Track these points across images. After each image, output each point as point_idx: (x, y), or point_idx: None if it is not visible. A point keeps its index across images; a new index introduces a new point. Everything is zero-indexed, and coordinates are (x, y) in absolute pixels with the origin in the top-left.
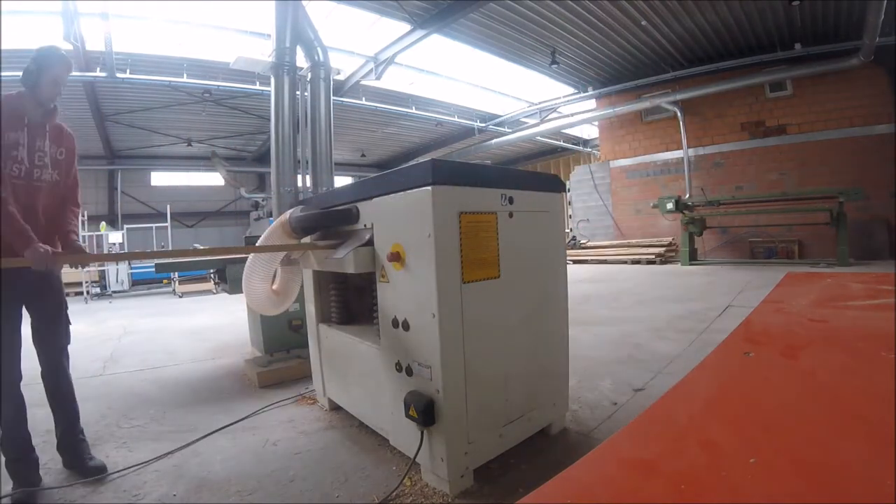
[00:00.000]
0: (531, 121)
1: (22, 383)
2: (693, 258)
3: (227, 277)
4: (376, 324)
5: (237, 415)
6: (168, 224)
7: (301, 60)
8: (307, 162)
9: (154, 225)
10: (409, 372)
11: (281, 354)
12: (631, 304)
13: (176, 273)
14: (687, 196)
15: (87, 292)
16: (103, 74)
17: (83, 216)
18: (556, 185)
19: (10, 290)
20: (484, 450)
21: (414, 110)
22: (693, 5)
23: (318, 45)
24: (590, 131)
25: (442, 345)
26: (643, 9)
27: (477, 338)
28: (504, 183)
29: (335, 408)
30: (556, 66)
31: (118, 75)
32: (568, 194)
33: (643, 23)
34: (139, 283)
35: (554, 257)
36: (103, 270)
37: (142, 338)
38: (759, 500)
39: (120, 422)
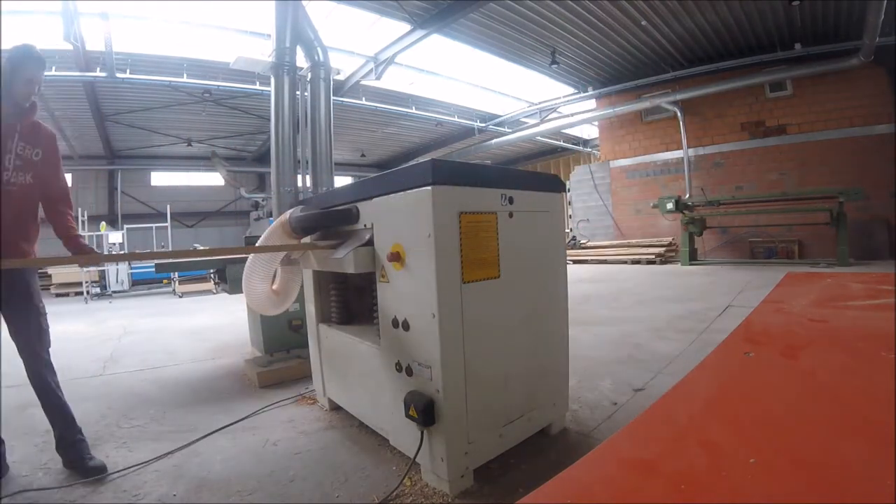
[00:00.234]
0: (531, 121)
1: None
2: (693, 258)
3: (227, 277)
4: (376, 324)
5: (237, 415)
6: (168, 224)
7: (301, 60)
8: (307, 162)
9: (154, 225)
10: (409, 372)
11: (281, 354)
12: (631, 304)
13: (176, 273)
14: (687, 196)
15: (87, 292)
16: (103, 74)
17: (83, 216)
18: (556, 185)
19: None
20: (484, 450)
21: (414, 110)
22: (693, 5)
23: (318, 45)
24: (590, 131)
25: (442, 345)
26: (643, 9)
27: (477, 338)
28: (504, 183)
29: (335, 408)
30: (556, 66)
31: (118, 75)
32: (568, 194)
33: (643, 23)
34: (139, 283)
35: (554, 257)
36: (103, 270)
37: (142, 338)
38: (759, 500)
39: (120, 422)
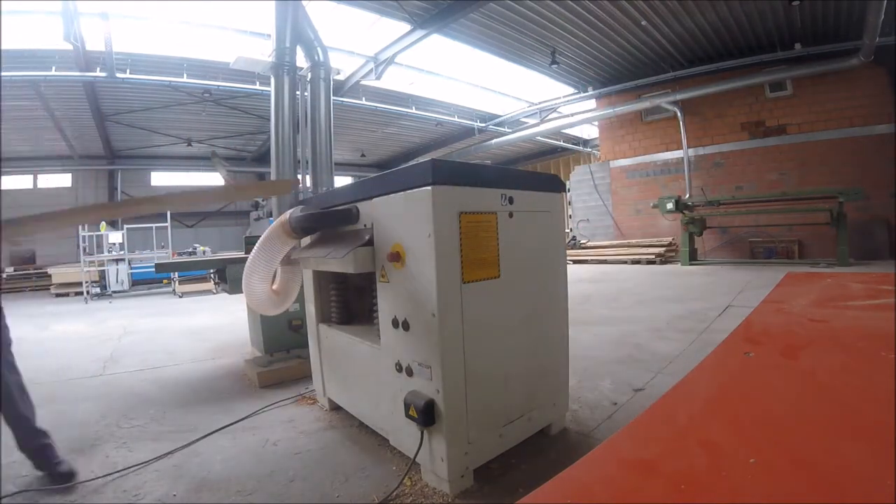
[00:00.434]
0: (531, 121)
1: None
2: (693, 258)
3: (227, 277)
4: (376, 324)
5: (237, 415)
6: (168, 224)
7: (301, 60)
8: (307, 162)
9: (154, 225)
10: (409, 372)
11: (281, 354)
12: (631, 304)
13: (176, 273)
14: (687, 196)
15: (87, 292)
16: (103, 74)
17: None
18: (556, 185)
19: None
20: (484, 450)
21: (414, 110)
22: (693, 5)
23: (318, 45)
24: (590, 131)
25: (442, 345)
26: (643, 9)
27: (477, 338)
28: (504, 183)
29: (335, 408)
30: (556, 66)
31: (118, 75)
32: (568, 194)
33: (643, 23)
34: (139, 283)
35: (554, 257)
36: (103, 271)
37: (142, 338)
38: (759, 500)
39: (120, 422)
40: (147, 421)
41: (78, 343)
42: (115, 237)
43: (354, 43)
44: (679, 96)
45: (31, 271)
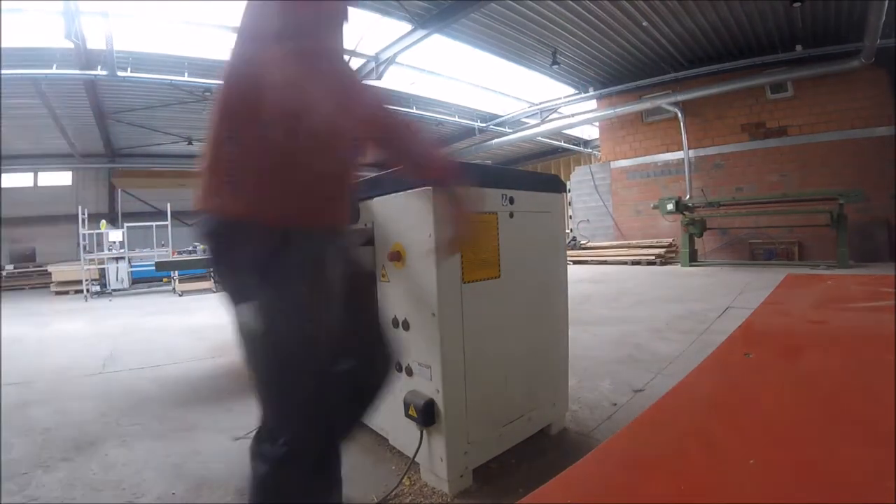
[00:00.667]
0: (532, 121)
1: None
2: (693, 259)
3: None
4: None
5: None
6: (168, 223)
7: None
8: None
9: (154, 223)
10: (409, 372)
11: None
12: (631, 304)
13: (176, 271)
14: (687, 197)
15: (88, 290)
16: (104, 73)
17: (84, 214)
18: (556, 185)
19: None
20: (483, 450)
21: (414, 110)
22: (693, 5)
23: None
24: (590, 132)
25: (442, 345)
26: (644, 9)
27: (477, 338)
28: (504, 183)
29: None
30: (556, 66)
31: (119, 74)
32: (568, 195)
33: (644, 23)
34: (139, 281)
35: (554, 258)
36: (103, 269)
37: (142, 336)
38: (759, 500)
39: (120, 420)
40: (147, 419)
41: (78, 341)
42: (116, 235)
43: (354, 43)
44: (680, 97)
45: (32, 269)
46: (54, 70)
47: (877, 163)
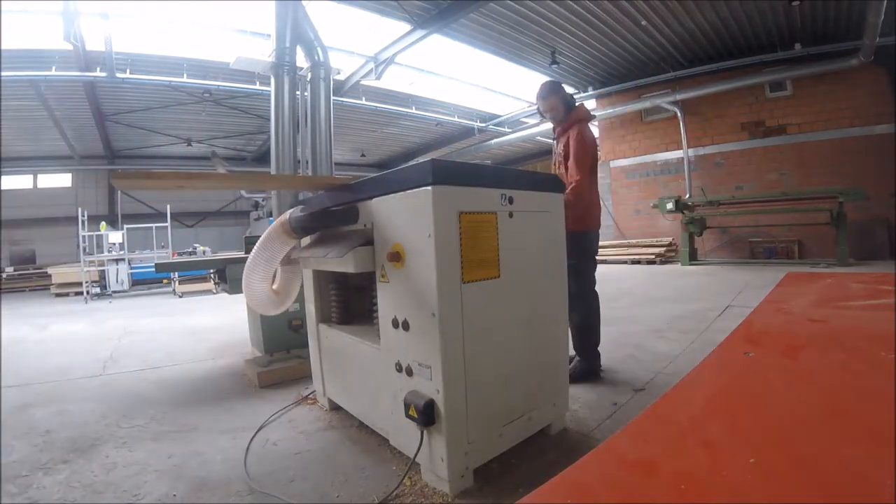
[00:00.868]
0: (531, 121)
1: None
2: (693, 258)
3: (227, 277)
4: (376, 324)
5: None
6: (168, 224)
7: (301, 60)
8: (307, 162)
9: (154, 225)
10: (409, 372)
11: (281, 354)
12: (631, 304)
13: (176, 273)
14: (687, 196)
15: (87, 292)
16: (103, 74)
17: (83, 216)
18: (556, 185)
19: None
20: (484, 450)
21: (414, 110)
22: (693, 5)
23: (318, 45)
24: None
25: (442, 345)
26: (643, 9)
27: (477, 338)
28: (504, 183)
29: (335, 408)
30: (556, 66)
31: (118, 75)
32: None
33: (643, 23)
34: (139, 283)
35: (554, 257)
36: (103, 270)
37: (142, 338)
38: (759, 500)
39: (120, 422)
40: (147, 421)
41: (78, 343)
42: (115, 237)
43: (354, 43)
44: (679, 96)
45: (31, 271)
46: (53, 72)
47: (876, 161)
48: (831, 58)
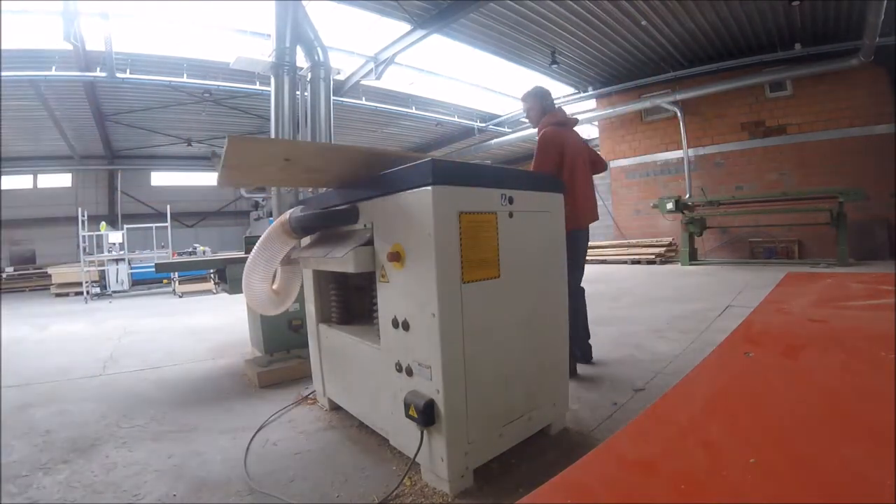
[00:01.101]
0: None
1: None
2: (693, 258)
3: (227, 277)
4: (376, 324)
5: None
6: (168, 224)
7: (301, 60)
8: None
9: (154, 225)
10: (409, 372)
11: (281, 354)
12: (631, 303)
13: (176, 273)
14: (687, 196)
15: (87, 292)
16: (103, 74)
17: (83, 216)
18: (556, 185)
19: None
20: (484, 450)
21: (414, 110)
22: (693, 5)
23: (318, 45)
24: (590, 131)
25: (442, 345)
26: (643, 9)
27: (477, 338)
28: (504, 183)
29: (335, 408)
30: (556, 66)
31: (118, 75)
32: None
33: (643, 23)
34: (139, 283)
35: (554, 257)
36: (103, 270)
37: (142, 338)
38: (759, 500)
39: (120, 422)
40: (147, 421)
41: (78, 343)
42: (115, 237)
43: (354, 43)
44: (679, 96)
45: (31, 271)
46: (53, 72)
47: (876, 161)
48: (831, 58)
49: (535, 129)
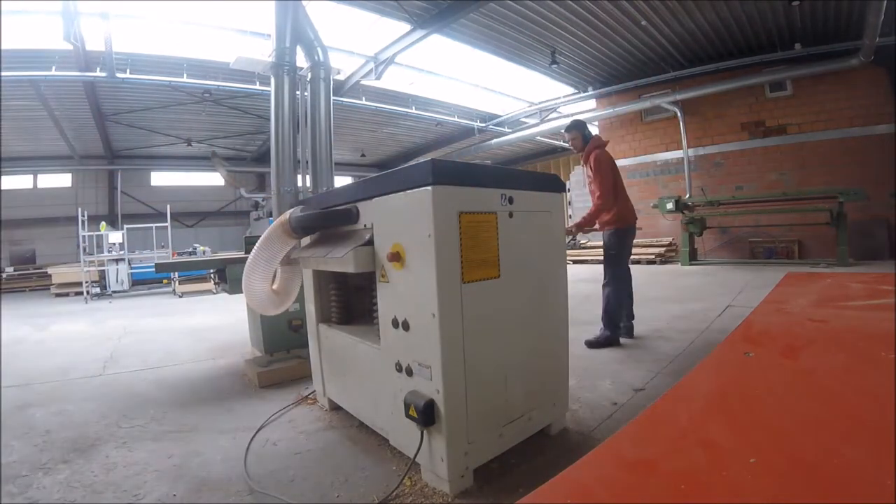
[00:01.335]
0: (531, 121)
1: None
2: (693, 258)
3: (227, 277)
4: (376, 324)
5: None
6: (168, 224)
7: (301, 60)
8: (307, 162)
9: (154, 225)
10: (409, 372)
11: (281, 354)
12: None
13: (176, 273)
14: (687, 196)
15: (88, 292)
16: (103, 74)
17: (83, 216)
18: (556, 185)
19: None
20: (484, 450)
21: (414, 110)
22: (693, 5)
23: (318, 45)
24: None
25: (442, 345)
26: (643, 9)
27: (477, 338)
28: (504, 183)
29: (335, 408)
30: (555, 66)
31: (118, 75)
32: (568, 194)
33: (643, 23)
34: (139, 283)
35: (554, 257)
36: (103, 270)
37: (142, 338)
38: (759, 500)
39: (120, 422)
40: (147, 421)
41: (78, 343)
42: (115, 237)
43: (354, 43)
44: (679, 96)
45: (31, 271)
46: (53, 72)
47: (876, 161)
48: (831, 58)
49: (567, 142)
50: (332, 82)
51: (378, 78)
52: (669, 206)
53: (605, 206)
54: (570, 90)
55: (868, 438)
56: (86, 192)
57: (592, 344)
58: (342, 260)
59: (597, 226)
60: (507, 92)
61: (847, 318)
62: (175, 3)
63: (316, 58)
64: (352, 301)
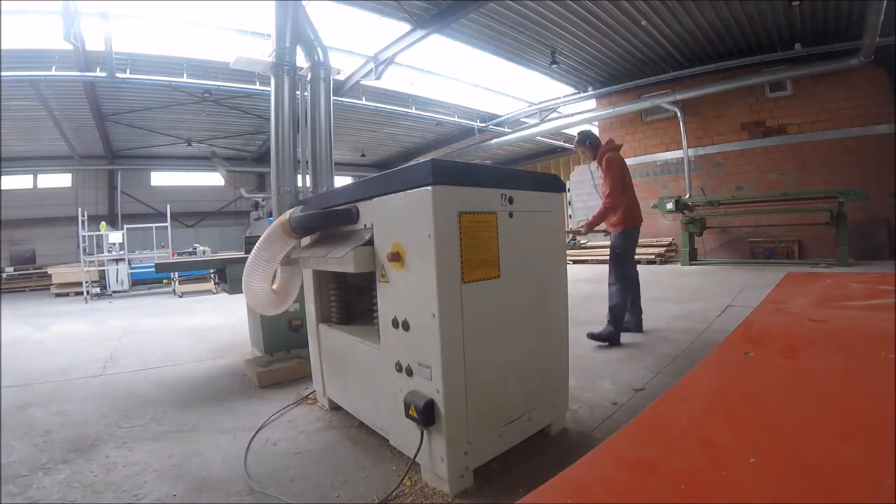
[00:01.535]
0: (531, 121)
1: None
2: (693, 258)
3: (227, 277)
4: (376, 324)
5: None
6: (168, 224)
7: (301, 60)
8: (307, 162)
9: (154, 225)
10: (409, 372)
11: (281, 354)
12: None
13: (176, 273)
14: (687, 196)
15: (87, 292)
16: (103, 74)
17: (83, 216)
18: (556, 185)
19: None
20: (484, 450)
21: (414, 110)
22: (693, 5)
23: (318, 45)
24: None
25: (442, 345)
26: (643, 9)
27: (477, 338)
28: (504, 183)
29: (335, 408)
30: (555, 66)
31: (118, 75)
32: (568, 194)
33: (643, 23)
34: (139, 283)
35: (554, 257)
36: (103, 270)
37: (142, 338)
38: (759, 500)
39: (120, 422)
40: (147, 421)
41: (78, 343)
42: (115, 237)
43: (354, 43)
44: (679, 96)
45: (31, 271)
46: (53, 72)
47: (876, 161)
48: (831, 58)
49: (575, 147)
50: (332, 82)
51: (378, 78)
52: (669, 206)
53: (613, 204)
54: (570, 90)
55: (868, 438)
56: (86, 192)
57: (595, 336)
58: (342, 260)
59: (604, 226)
60: (507, 92)
61: (847, 318)
62: (175, 3)
63: (316, 58)
64: (352, 301)
